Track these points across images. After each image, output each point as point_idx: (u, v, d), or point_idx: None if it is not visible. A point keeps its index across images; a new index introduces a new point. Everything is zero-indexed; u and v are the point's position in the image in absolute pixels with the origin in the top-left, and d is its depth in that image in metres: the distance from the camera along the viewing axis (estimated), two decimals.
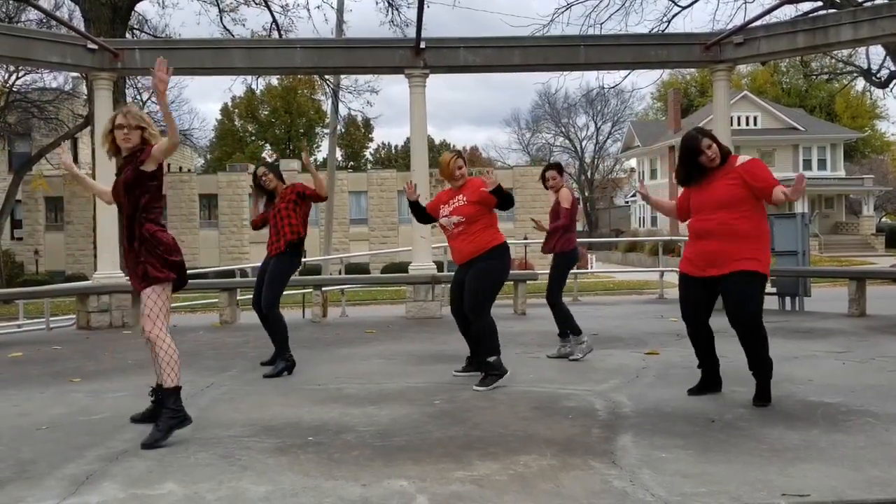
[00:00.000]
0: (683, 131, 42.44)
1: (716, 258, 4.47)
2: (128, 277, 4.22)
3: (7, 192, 30.53)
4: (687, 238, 4.89)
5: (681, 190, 4.91)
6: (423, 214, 5.72)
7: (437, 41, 9.96)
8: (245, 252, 38.83)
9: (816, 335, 7.51)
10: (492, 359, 5.18)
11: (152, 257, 3.94)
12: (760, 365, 4.53)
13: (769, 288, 10.78)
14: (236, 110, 56.83)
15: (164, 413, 3.91)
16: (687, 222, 4.76)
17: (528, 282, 10.79)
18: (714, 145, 4.45)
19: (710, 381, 4.85)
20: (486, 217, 5.33)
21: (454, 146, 65.88)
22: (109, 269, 9.79)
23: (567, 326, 6.34)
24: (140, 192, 3.96)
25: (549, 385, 5.23)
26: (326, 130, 43.07)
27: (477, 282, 5.24)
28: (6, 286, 26.60)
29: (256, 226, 6.27)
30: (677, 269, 4.98)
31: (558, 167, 6.59)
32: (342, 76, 18.06)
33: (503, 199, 5.22)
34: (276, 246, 5.97)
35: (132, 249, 3.98)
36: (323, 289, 10.82)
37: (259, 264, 6.22)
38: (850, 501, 2.94)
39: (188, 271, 4.19)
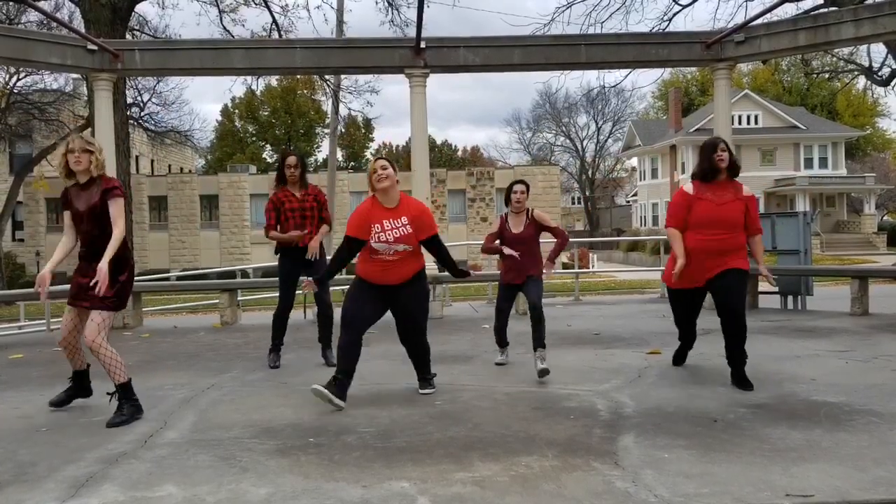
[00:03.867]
0: (684, 130, 42.37)
1: (714, 265, 5.04)
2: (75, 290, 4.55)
3: (8, 194, 30.58)
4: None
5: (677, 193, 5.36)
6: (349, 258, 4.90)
7: (437, 41, 9.94)
8: (246, 253, 38.84)
9: (819, 334, 7.49)
10: (431, 376, 5.19)
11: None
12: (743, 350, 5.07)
13: (771, 287, 10.75)
14: (236, 111, 56.81)
15: (126, 403, 4.45)
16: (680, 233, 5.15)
17: None
18: (727, 152, 5.05)
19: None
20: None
21: (454, 146, 65.91)
22: None
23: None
24: (106, 219, 4.44)
25: (550, 385, 5.21)
26: (327, 130, 43.03)
27: (424, 302, 5.14)
28: (7, 287, 26.63)
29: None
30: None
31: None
32: (342, 76, 18.04)
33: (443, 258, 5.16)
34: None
35: (90, 268, 4.39)
36: None
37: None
38: (854, 501, 2.92)
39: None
